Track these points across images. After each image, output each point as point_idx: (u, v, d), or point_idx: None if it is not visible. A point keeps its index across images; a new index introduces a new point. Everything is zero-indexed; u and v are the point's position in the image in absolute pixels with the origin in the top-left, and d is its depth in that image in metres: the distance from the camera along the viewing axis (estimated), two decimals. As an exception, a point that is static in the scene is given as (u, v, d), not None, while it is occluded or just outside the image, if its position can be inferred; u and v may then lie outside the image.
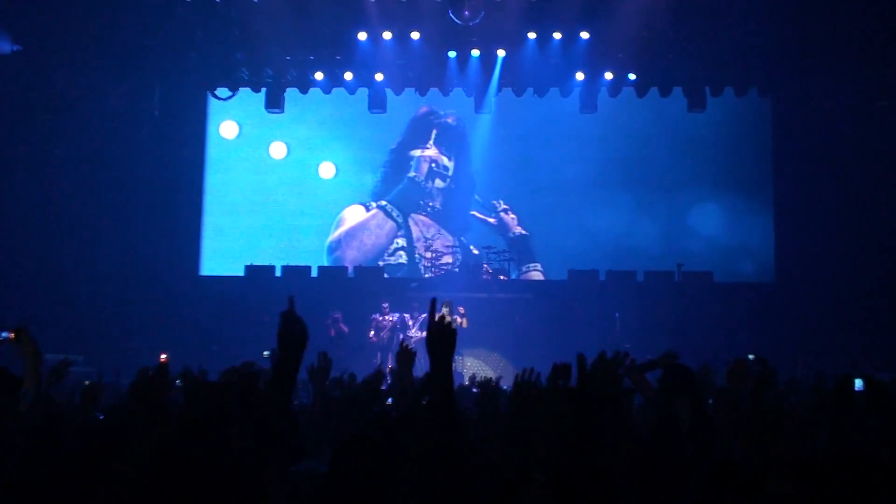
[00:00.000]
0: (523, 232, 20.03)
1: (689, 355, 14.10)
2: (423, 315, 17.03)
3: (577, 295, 17.73)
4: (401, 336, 17.00)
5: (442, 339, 2.94)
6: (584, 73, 18.46)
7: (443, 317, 3.00)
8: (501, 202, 20.09)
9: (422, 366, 15.41)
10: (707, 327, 16.77)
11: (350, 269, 19.09)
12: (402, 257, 20.24)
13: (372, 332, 17.02)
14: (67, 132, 18.05)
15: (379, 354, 16.71)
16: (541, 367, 4.62)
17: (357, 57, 18.31)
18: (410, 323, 17.11)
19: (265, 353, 9.80)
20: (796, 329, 17.01)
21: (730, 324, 16.96)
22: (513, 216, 20.06)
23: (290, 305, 3.09)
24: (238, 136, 20.37)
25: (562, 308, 17.44)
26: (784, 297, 18.01)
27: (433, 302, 3.07)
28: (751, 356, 6.31)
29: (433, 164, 20.50)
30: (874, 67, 17.39)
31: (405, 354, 5.11)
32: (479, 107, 19.46)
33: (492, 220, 20.06)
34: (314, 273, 18.80)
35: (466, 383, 10.23)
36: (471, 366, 16.81)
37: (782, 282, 18.56)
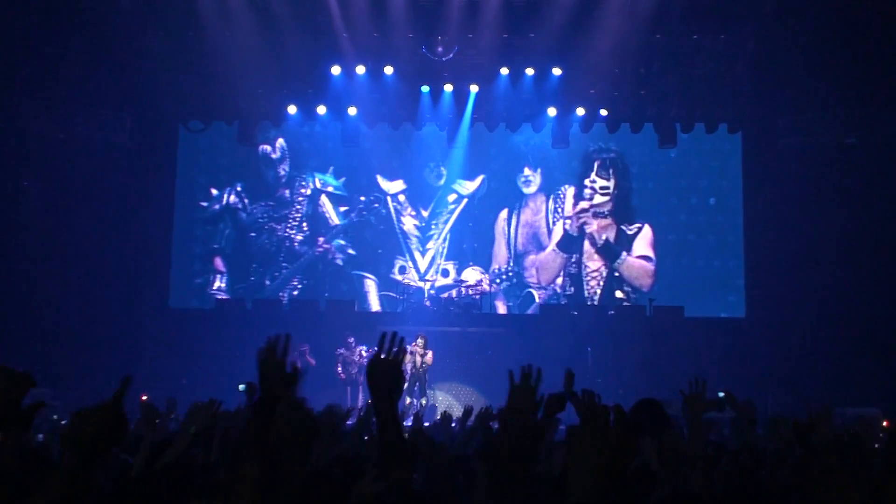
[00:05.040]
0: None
1: (659, 390, 14.16)
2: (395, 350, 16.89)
3: (549, 329, 17.73)
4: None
5: (384, 375, 2.79)
6: (557, 109, 18.61)
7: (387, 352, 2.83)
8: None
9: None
10: (678, 362, 16.83)
11: (322, 303, 18.97)
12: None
13: (339, 368, 16.80)
14: (37, 163, 17.91)
15: (349, 390, 16.55)
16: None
17: (330, 91, 18.37)
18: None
19: (240, 386, 9.69)
20: (767, 364, 17.10)
21: (700, 359, 17.03)
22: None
23: (271, 347, 2.95)
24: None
25: (533, 342, 17.41)
26: (754, 332, 18.11)
27: (383, 337, 2.89)
28: (721, 394, 6.27)
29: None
30: (843, 105, 17.65)
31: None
32: (451, 141, 19.58)
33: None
34: (285, 306, 18.73)
35: (438, 419, 10.10)
36: (443, 399, 16.75)
37: (753, 317, 18.67)
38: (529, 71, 18.02)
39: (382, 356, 2.82)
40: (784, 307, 17.89)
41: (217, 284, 19.91)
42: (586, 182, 20.07)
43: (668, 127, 18.79)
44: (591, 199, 20.00)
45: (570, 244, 20.01)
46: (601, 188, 20.03)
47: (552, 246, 20.05)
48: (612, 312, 18.54)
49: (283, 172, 20.19)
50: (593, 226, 19.93)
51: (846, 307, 17.37)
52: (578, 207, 20.01)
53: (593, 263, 19.87)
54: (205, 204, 20.03)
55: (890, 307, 16.95)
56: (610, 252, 19.79)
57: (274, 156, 20.15)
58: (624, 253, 19.74)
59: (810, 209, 17.82)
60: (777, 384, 16.12)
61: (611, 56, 17.24)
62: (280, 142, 20.12)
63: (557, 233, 20.07)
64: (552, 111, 18.65)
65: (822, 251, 17.64)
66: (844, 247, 17.58)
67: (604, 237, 19.84)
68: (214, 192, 20.09)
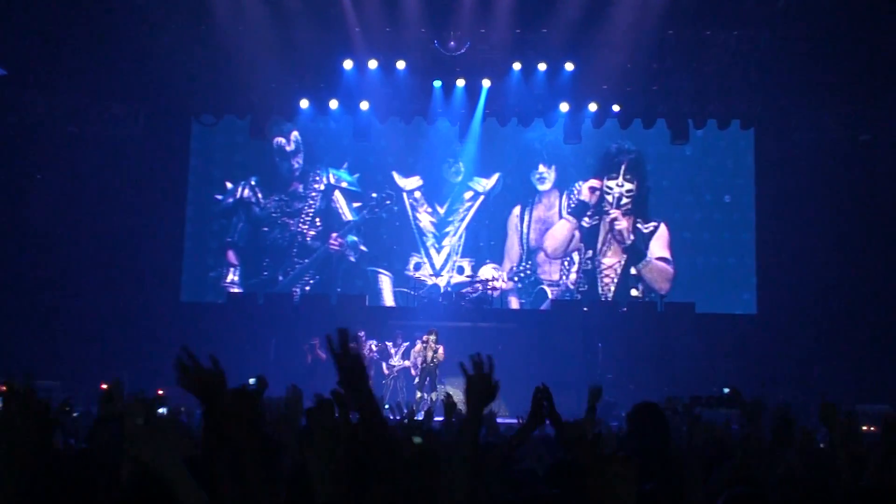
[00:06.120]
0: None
1: (670, 386, 14.12)
2: (406, 343, 16.97)
3: (560, 325, 17.72)
4: (382, 364, 16.91)
5: (355, 371, 2.60)
6: (569, 104, 18.54)
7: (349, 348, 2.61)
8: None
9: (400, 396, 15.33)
10: (689, 358, 16.81)
11: (333, 297, 18.98)
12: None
13: (350, 363, 16.82)
14: (49, 158, 17.98)
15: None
16: (524, 397, 4.59)
17: (342, 85, 18.37)
18: (393, 351, 17.01)
19: (250, 380, 9.69)
20: (777, 360, 17.05)
21: (711, 355, 17.01)
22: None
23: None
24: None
25: (545, 338, 17.42)
26: (766, 328, 18.05)
27: (340, 333, 2.65)
28: (726, 389, 6.24)
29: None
30: (855, 101, 17.58)
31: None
32: (463, 136, 19.55)
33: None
34: (296, 301, 18.76)
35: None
36: (453, 395, 16.70)
37: (764, 313, 18.59)
38: (542, 66, 17.96)
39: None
40: (795, 304, 17.82)
41: (230, 277, 19.96)
42: (614, 185, 19.91)
43: (681, 122, 18.70)
44: (619, 199, 19.90)
45: (581, 210, 19.92)
46: (627, 191, 19.93)
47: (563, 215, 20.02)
48: (624, 309, 18.48)
49: (296, 165, 20.21)
50: (623, 223, 19.82)
51: (858, 304, 17.32)
52: (611, 216, 19.90)
53: (608, 260, 19.77)
54: (219, 197, 20.07)
55: (902, 304, 16.91)
56: (636, 252, 19.69)
57: (288, 148, 20.18)
58: (649, 253, 19.63)
59: (823, 206, 17.74)
60: (788, 381, 16.06)
61: (623, 51, 17.21)
62: (294, 134, 20.12)
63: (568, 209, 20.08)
64: (564, 106, 18.58)
65: (835, 248, 17.57)
66: (857, 244, 17.52)
67: (632, 237, 19.71)
68: (229, 185, 20.14)
